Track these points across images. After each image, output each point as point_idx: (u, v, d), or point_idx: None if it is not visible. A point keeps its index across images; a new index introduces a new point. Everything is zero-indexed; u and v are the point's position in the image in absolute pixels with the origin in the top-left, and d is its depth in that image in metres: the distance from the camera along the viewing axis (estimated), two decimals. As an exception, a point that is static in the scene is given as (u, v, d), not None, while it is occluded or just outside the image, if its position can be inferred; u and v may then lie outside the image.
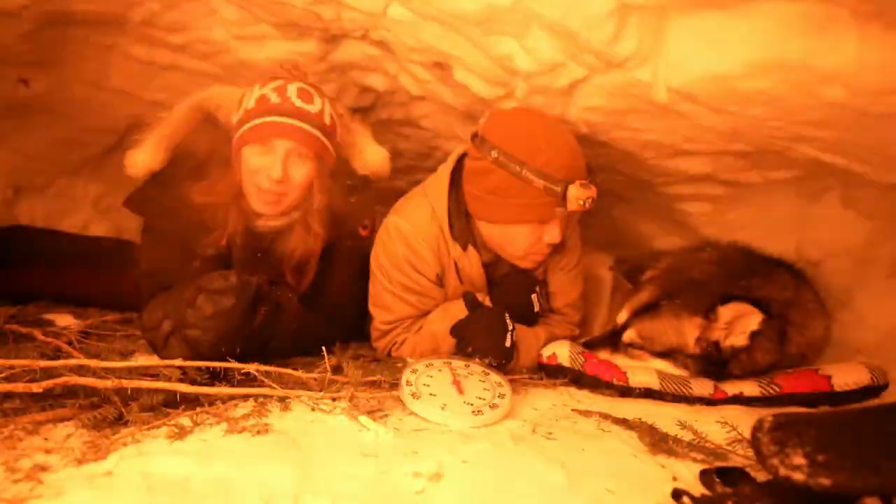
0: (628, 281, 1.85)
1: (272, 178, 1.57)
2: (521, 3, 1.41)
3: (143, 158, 1.65)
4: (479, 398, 1.28)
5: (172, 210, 1.64)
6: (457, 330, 1.58)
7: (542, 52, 1.54)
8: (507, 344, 1.50)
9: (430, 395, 1.26)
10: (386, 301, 1.76)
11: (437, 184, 1.72)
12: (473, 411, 1.22)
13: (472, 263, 1.72)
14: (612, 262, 2.07)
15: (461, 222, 1.69)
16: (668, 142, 1.77)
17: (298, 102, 1.59)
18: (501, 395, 1.30)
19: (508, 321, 1.53)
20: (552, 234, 1.58)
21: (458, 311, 1.61)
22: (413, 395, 1.25)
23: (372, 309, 1.82)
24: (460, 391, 1.29)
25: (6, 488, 0.84)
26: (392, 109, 2.34)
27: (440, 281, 1.75)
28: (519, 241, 1.62)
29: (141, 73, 2.18)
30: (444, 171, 1.73)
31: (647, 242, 2.51)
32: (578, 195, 1.47)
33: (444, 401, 1.24)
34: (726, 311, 1.44)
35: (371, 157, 1.83)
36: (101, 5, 1.90)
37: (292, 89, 1.61)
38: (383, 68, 2.04)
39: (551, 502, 0.89)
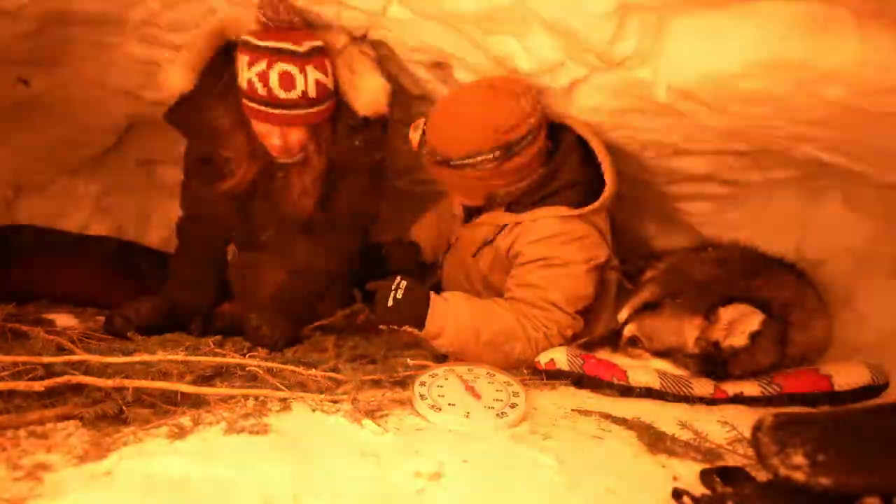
0: (629, 281, 1.85)
1: (274, 145, 1.83)
2: (521, 2, 1.41)
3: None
4: (497, 400, 1.28)
5: (202, 130, 1.90)
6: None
7: (542, 51, 1.54)
8: (389, 304, 1.57)
9: (450, 405, 1.24)
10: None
11: None
12: (497, 414, 1.22)
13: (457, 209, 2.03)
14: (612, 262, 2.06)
15: None
16: (669, 141, 1.77)
17: (282, 94, 1.70)
18: (516, 394, 1.31)
19: (399, 282, 1.60)
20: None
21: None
22: (432, 406, 1.23)
23: None
24: (477, 396, 1.29)
25: (7, 487, 0.84)
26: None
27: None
28: None
29: (141, 73, 2.19)
30: None
31: (647, 242, 2.50)
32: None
33: (466, 409, 1.23)
34: (727, 313, 1.43)
35: (365, 94, 1.84)
36: (101, 5, 1.90)
37: (274, 78, 1.69)
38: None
39: (551, 502, 0.89)
